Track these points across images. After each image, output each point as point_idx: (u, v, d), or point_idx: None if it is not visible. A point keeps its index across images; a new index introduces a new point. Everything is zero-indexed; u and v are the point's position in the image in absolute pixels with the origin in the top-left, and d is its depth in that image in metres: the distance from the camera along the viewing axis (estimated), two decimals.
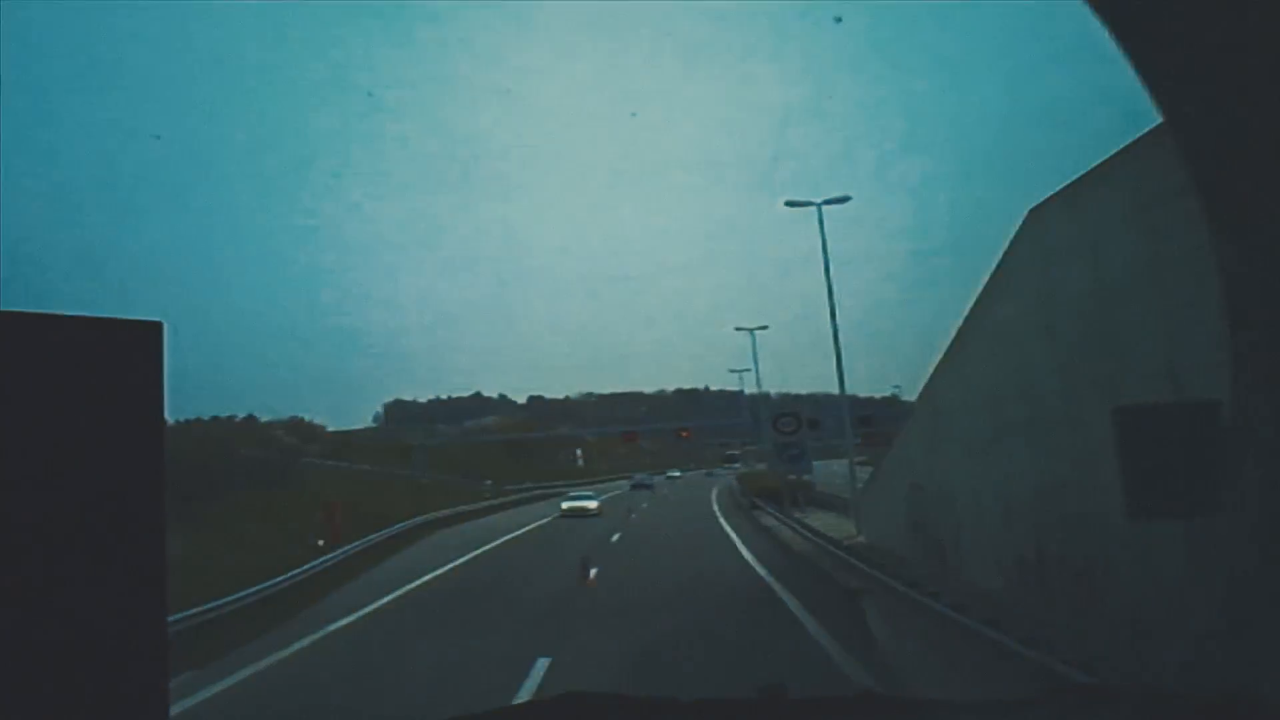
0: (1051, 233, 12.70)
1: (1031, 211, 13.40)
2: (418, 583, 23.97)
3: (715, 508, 52.26)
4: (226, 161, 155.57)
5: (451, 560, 29.11)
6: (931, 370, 19.39)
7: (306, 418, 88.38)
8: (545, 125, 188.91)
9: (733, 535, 34.63)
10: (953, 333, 17.55)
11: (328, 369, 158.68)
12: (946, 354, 18.18)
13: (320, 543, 29.78)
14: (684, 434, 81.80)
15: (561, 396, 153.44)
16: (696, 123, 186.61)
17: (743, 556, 26.71)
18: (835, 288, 37.50)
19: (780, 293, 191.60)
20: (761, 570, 23.17)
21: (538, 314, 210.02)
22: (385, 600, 20.79)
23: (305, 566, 23.97)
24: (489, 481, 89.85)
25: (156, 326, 1.99)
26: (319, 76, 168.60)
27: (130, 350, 1.95)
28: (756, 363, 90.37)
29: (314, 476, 54.84)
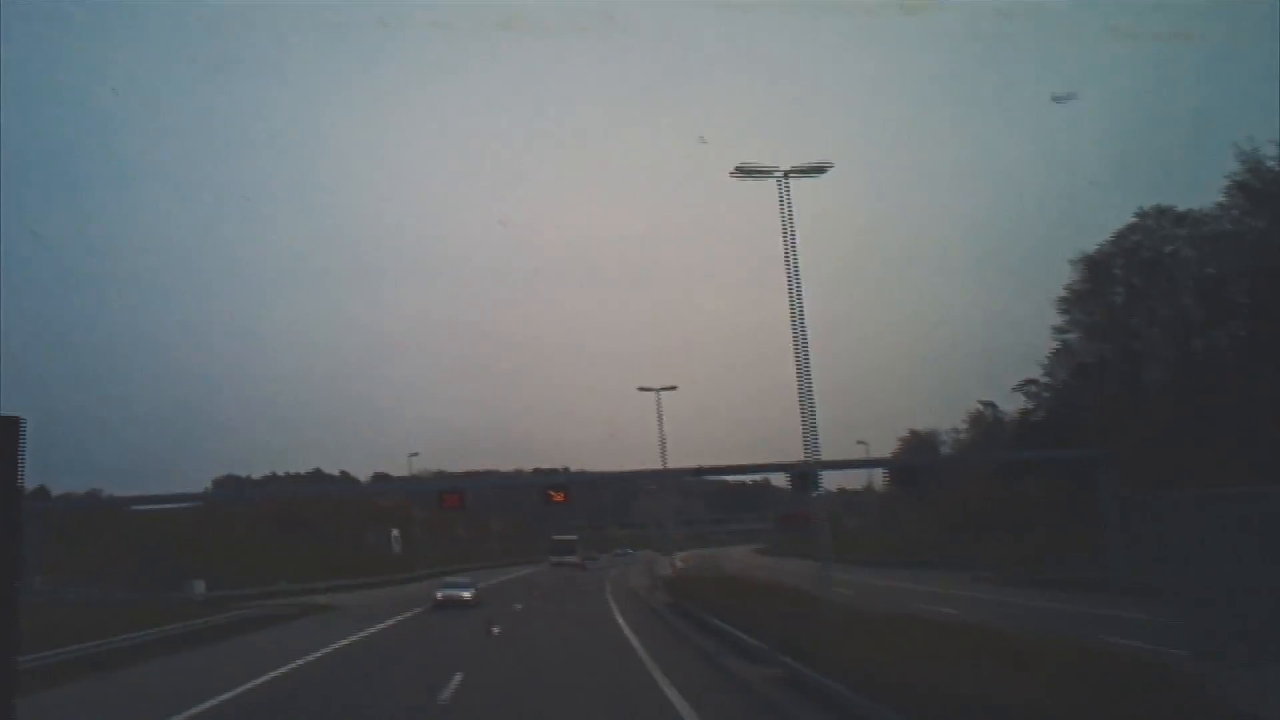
0: None
1: None
2: None
3: None
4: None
5: None
6: None
7: (107, 491, 71.80)
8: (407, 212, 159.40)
9: None
10: None
11: (150, 439, 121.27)
12: None
13: None
14: (558, 497, 44.82)
15: (407, 474, 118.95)
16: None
17: None
18: None
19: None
20: None
21: (390, 390, 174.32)
22: None
23: None
24: (199, 585, 50.45)
25: (15, 421, 2.18)
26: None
27: None
28: (662, 428, 55.44)
29: None
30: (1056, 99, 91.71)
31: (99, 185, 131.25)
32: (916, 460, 71.80)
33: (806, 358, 24.26)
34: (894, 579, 56.50)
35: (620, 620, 34.53)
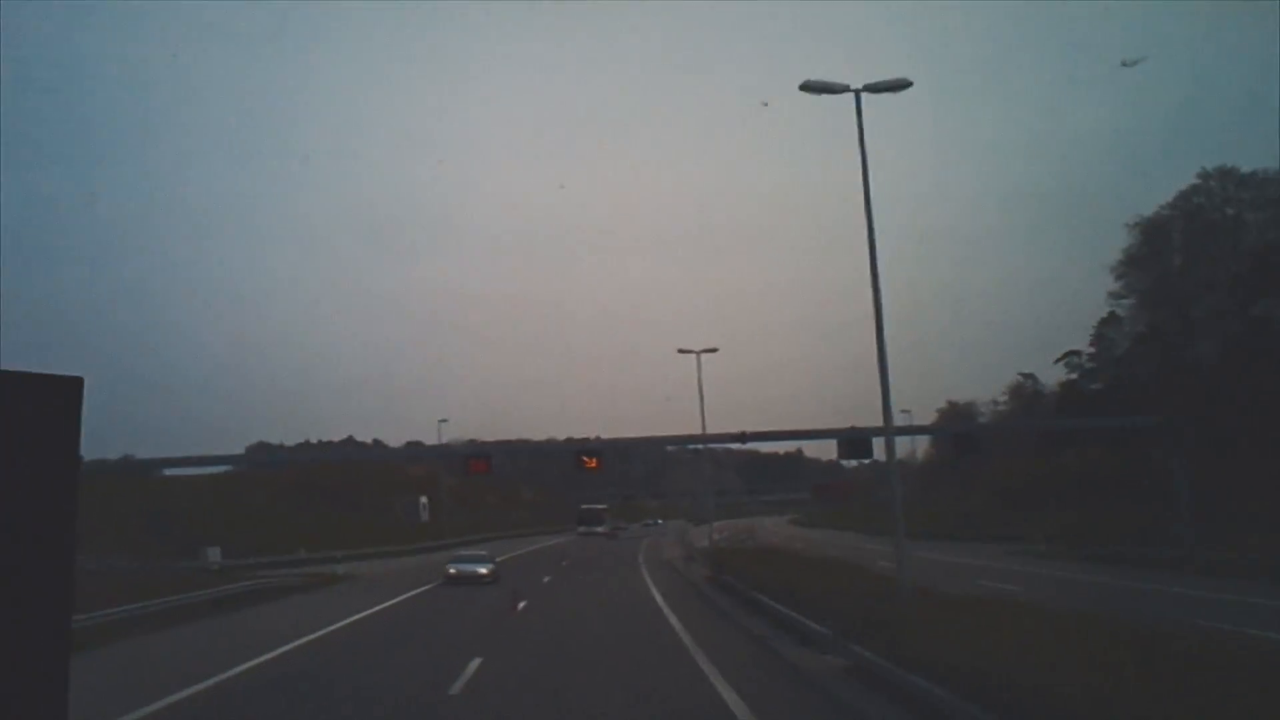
0: None
1: None
2: None
3: None
4: None
5: None
6: None
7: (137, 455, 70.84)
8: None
9: None
10: None
11: (184, 407, 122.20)
12: None
13: None
14: (591, 464, 42.05)
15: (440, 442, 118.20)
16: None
17: None
18: None
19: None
20: None
21: (425, 359, 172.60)
22: None
23: None
24: (215, 552, 48.31)
25: (77, 382, 2.13)
26: None
27: (52, 402, 2.09)
28: (701, 391, 52.44)
29: None
30: (1125, 64, 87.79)
31: (151, 149, 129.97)
32: (976, 426, 68.67)
33: (880, 308, 21.14)
34: (939, 552, 53.59)
35: (657, 596, 31.91)
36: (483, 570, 38.92)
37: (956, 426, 62.44)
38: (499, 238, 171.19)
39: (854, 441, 38.77)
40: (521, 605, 28.58)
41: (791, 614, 20.43)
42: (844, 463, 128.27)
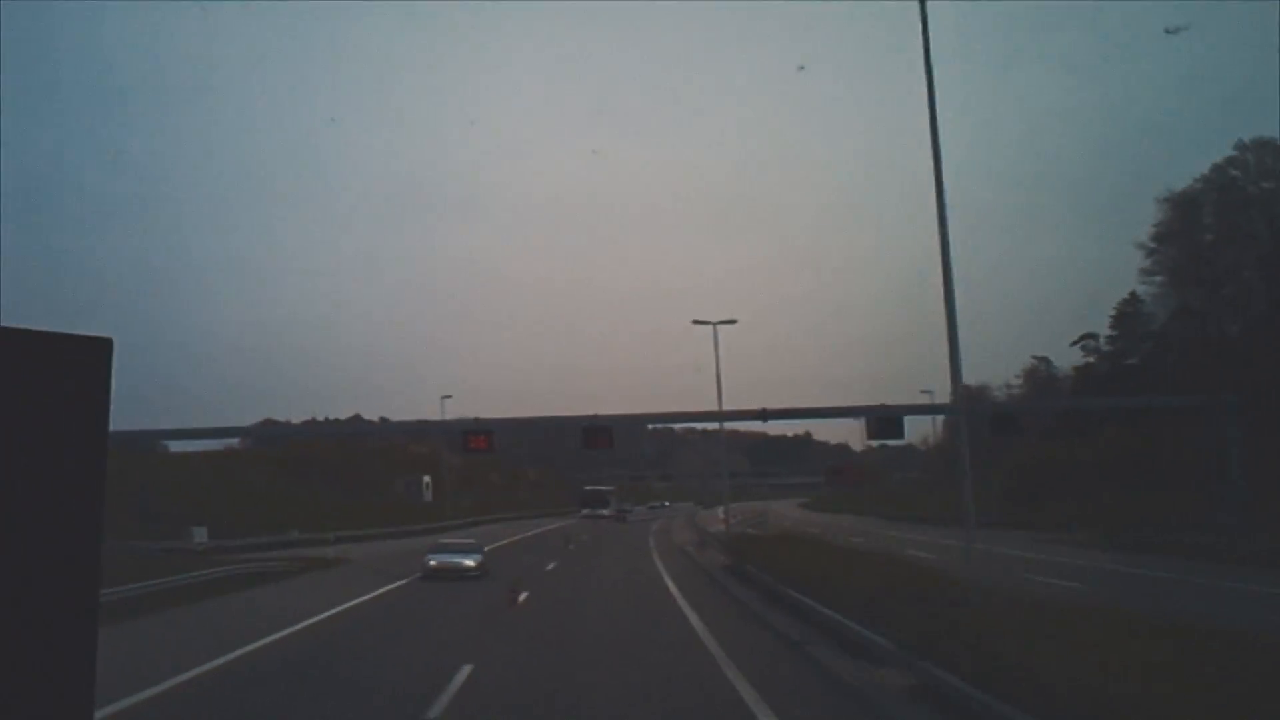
0: None
1: None
2: None
3: None
4: None
5: None
6: None
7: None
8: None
9: None
10: None
11: (191, 382, 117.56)
12: None
13: None
14: (601, 442, 39.18)
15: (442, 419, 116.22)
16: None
17: None
18: None
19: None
20: None
21: (435, 338, 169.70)
22: None
23: None
24: (201, 533, 45.69)
25: (106, 343, 2.07)
26: None
27: (79, 365, 2.03)
28: (719, 365, 49.60)
29: None
30: (1169, 31, 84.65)
31: (167, 113, 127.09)
32: (1016, 405, 65.69)
33: (948, 259, 18.33)
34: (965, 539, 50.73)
35: (673, 589, 29.00)
36: (469, 563, 33.82)
37: (998, 406, 59.18)
38: (521, 213, 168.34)
39: (884, 421, 35.80)
40: (523, 597, 25.75)
41: (833, 615, 17.59)
42: (853, 446, 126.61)
